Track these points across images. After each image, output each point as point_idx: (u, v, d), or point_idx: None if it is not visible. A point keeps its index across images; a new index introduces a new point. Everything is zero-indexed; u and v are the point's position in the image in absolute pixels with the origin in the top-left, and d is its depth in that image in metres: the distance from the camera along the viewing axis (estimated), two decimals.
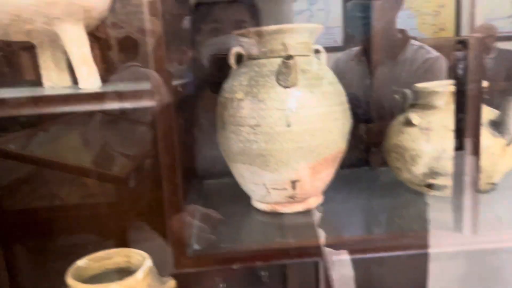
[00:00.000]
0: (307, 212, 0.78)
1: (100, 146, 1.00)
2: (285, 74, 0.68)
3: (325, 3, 1.24)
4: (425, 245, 0.65)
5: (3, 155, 1.02)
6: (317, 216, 0.77)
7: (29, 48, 0.81)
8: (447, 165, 0.72)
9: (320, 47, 0.80)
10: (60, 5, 0.64)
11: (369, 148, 0.98)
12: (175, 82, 0.65)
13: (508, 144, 0.73)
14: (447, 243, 0.65)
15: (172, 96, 0.59)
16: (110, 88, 0.64)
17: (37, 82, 0.82)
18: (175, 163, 0.58)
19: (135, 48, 0.93)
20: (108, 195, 1.06)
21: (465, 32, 1.24)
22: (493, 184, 0.77)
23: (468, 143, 0.61)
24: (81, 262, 0.68)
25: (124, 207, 1.04)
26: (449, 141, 0.69)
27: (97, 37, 0.91)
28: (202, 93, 0.96)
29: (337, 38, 1.23)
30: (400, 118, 0.82)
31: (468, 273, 0.90)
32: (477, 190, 0.63)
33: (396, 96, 0.89)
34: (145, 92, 0.56)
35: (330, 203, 0.81)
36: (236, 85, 0.73)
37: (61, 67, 0.81)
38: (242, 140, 0.71)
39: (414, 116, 0.78)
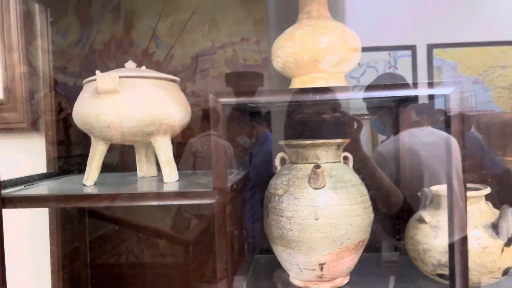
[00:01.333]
0: None
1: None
2: (314, 179, 0.89)
3: None
4: None
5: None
6: None
7: (131, 147, 1.10)
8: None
9: (348, 154, 1.00)
10: (154, 125, 0.91)
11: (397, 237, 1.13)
12: (232, 181, 0.89)
13: (506, 245, 0.86)
14: None
15: (229, 195, 0.82)
16: (185, 182, 0.89)
17: (134, 172, 1.10)
18: (226, 246, 0.79)
19: None
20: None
21: None
22: (497, 278, 0.88)
23: (456, 242, 0.76)
24: None
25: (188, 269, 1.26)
26: (475, 242, 0.84)
27: None
28: (253, 188, 1.19)
29: None
30: (416, 215, 0.98)
31: None
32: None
33: (419, 194, 1.05)
34: (207, 192, 0.79)
35: (356, 283, 0.97)
36: (278, 184, 0.95)
37: (151, 162, 1.09)
38: (281, 228, 0.91)
39: (426, 215, 0.93)
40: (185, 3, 1.25)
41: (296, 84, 0.94)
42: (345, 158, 1.00)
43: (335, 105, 1.19)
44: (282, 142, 0.99)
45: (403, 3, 1.35)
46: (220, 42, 1.23)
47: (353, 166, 1.01)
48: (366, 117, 1.30)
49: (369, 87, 0.79)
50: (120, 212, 1.31)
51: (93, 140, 0.96)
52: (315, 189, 0.90)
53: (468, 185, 0.99)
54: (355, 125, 1.20)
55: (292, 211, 0.90)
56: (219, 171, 0.79)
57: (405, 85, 0.82)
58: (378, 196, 1.13)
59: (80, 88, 0.96)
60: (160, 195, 0.82)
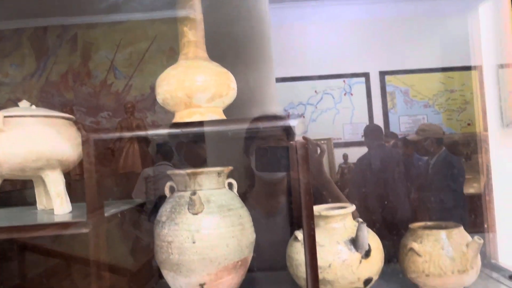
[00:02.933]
0: None
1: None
2: (191, 205, 0.97)
3: (350, 101, 1.45)
4: None
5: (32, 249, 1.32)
6: None
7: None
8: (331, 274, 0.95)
9: (233, 181, 1.09)
10: (41, 160, 0.97)
11: None
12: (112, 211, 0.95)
13: (363, 258, 0.96)
14: None
15: (105, 224, 0.88)
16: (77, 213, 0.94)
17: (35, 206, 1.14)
18: (101, 274, 0.85)
19: None
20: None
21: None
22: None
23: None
24: None
25: None
26: (336, 256, 0.94)
27: None
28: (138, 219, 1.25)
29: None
30: (296, 233, 1.07)
31: None
32: None
33: None
34: (81, 223, 0.85)
35: None
36: (163, 211, 1.02)
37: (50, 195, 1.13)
38: (164, 252, 0.98)
39: (299, 234, 1.02)
40: (142, 34, 1.29)
41: (176, 118, 1.02)
42: (230, 184, 1.09)
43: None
44: (169, 172, 1.06)
45: (356, 33, 1.46)
46: None
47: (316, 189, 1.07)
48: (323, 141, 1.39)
49: (226, 121, 0.88)
50: (64, 246, 1.32)
51: None
52: (193, 214, 0.97)
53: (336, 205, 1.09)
54: (318, 151, 1.28)
55: (172, 236, 0.97)
56: (91, 202, 0.86)
57: (265, 118, 0.91)
58: None
59: None
60: (37, 227, 0.88)
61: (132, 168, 1.39)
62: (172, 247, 0.97)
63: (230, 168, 1.06)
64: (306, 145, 0.81)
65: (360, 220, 0.97)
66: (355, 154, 1.39)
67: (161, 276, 1.23)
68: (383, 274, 1.15)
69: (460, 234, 0.99)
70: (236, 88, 1.05)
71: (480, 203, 1.22)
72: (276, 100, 1.29)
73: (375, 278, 1.00)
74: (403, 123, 1.43)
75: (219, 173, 1.04)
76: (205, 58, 1.04)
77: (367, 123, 1.44)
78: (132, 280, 1.28)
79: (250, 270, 1.14)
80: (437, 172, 1.31)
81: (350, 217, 1.05)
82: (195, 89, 0.97)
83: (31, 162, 0.96)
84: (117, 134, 0.87)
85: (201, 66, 1.00)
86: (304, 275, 0.99)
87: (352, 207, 1.04)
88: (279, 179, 1.29)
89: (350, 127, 1.41)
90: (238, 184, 1.07)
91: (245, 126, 0.90)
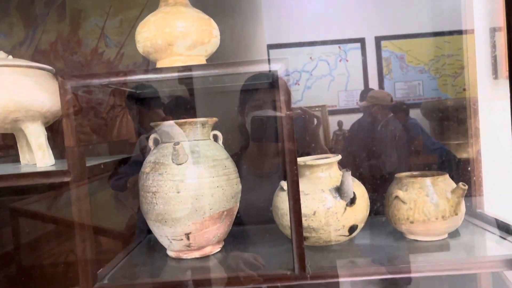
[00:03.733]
0: (205, 258, 1.02)
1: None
2: (175, 155, 0.96)
3: (345, 68, 1.42)
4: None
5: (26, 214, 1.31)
6: (212, 261, 1.00)
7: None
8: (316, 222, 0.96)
9: (218, 133, 1.07)
10: (20, 111, 0.95)
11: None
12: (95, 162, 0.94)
13: (347, 205, 0.96)
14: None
15: (85, 174, 0.87)
16: (61, 166, 0.93)
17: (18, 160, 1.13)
18: (84, 225, 0.84)
19: None
20: None
21: None
22: (345, 236, 0.98)
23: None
24: None
25: None
26: (320, 204, 0.94)
27: None
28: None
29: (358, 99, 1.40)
30: (281, 183, 1.06)
31: None
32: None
33: None
34: (62, 172, 0.84)
35: (227, 251, 1.05)
36: (147, 163, 1.01)
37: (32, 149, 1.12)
38: (148, 203, 0.98)
39: (284, 183, 1.02)
40: (133, 1, 1.24)
41: (158, 66, 1.00)
42: (215, 136, 1.07)
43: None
44: (152, 124, 1.05)
45: None
46: None
47: None
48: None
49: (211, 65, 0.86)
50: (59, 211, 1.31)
51: None
52: (177, 164, 0.96)
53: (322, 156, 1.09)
54: (315, 122, 1.28)
55: (156, 186, 0.96)
56: (71, 151, 0.84)
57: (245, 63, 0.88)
58: None
59: None
60: (19, 176, 0.86)
61: (126, 136, 1.38)
62: (157, 197, 0.96)
63: (215, 119, 1.05)
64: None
65: (346, 168, 0.96)
66: (350, 121, 1.38)
67: (149, 232, 1.24)
68: (369, 225, 1.16)
69: (445, 181, 0.98)
70: (219, 36, 1.02)
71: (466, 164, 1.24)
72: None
73: (360, 226, 1.00)
74: (398, 89, 1.42)
75: (203, 124, 1.03)
76: (186, 4, 1.00)
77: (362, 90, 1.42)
78: (118, 235, 1.29)
79: (240, 223, 1.15)
80: (383, 136, 1.34)
81: (336, 166, 1.04)
82: (175, 36, 0.94)
83: (9, 113, 0.94)
84: (96, 81, 0.84)
85: (182, 12, 0.96)
86: (289, 224, 0.99)
87: (337, 157, 1.03)
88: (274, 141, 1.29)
89: (345, 94, 1.40)
90: (232, 144, 1.06)
91: (226, 71, 0.87)
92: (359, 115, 1.38)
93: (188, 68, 0.89)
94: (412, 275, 0.86)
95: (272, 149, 1.28)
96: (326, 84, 1.41)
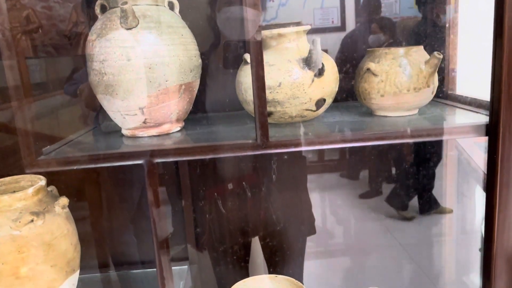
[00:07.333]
0: (163, 136, 0.95)
1: None
2: (123, 17, 0.84)
3: None
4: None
5: None
6: (171, 139, 0.93)
7: None
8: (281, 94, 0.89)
9: (174, 0, 0.95)
10: None
11: None
12: None
13: (315, 76, 0.89)
14: None
15: None
16: None
17: None
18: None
19: None
20: None
21: None
22: (312, 110, 0.93)
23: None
24: None
25: None
26: (286, 75, 0.86)
27: None
28: None
29: (335, 18, 1.31)
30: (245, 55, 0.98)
31: None
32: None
33: None
34: None
35: (189, 130, 0.98)
36: (93, 29, 0.89)
37: None
38: (96, 74, 0.88)
39: (248, 56, 0.93)
40: None
41: None
42: (170, 3, 0.96)
43: None
44: None
45: None
46: None
47: None
48: None
49: None
50: None
51: None
52: (126, 29, 0.85)
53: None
54: None
55: (104, 54, 0.86)
56: None
57: None
58: None
59: None
60: None
61: None
62: (105, 66, 0.86)
63: None
64: None
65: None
66: (325, 40, 1.28)
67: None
68: (338, 106, 1.11)
69: (419, 52, 0.92)
70: None
71: None
72: None
73: (328, 100, 0.94)
74: None
75: None
76: None
77: (338, 7, 1.31)
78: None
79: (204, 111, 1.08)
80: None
81: (305, 37, 0.95)
82: None
83: None
84: None
85: None
86: (253, 98, 0.92)
87: (307, 26, 0.95)
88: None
89: (321, 11, 1.29)
90: (201, 42, 0.95)
91: None
92: (334, 35, 1.29)
93: None
94: (375, 142, 0.82)
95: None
96: (301, 1, 1.30)
